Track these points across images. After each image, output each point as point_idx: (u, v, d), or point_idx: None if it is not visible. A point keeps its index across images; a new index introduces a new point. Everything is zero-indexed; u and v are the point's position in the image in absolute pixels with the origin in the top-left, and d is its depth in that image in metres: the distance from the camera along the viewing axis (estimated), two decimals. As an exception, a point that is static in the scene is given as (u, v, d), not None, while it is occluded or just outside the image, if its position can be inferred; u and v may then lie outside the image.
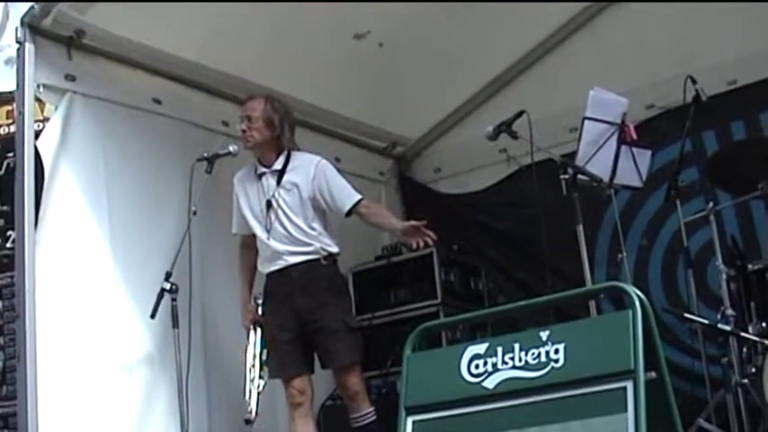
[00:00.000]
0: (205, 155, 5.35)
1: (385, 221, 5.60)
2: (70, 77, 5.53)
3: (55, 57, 5.48)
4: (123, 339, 5.47)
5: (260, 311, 5.45)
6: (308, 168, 5.47)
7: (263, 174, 5.49)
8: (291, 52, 6.27)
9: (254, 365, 5.36)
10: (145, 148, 5.88)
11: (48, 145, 5.33)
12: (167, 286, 5.09)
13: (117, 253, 5.58)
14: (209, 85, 6.34)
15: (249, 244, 5.58)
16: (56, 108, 5.50)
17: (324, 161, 5.53)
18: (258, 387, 5.31)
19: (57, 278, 5.22)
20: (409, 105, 7.49)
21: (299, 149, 5.60)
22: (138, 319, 5.43)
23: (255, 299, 5.50)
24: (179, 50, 6.01)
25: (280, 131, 5.47)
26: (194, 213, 5.18)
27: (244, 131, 5.42)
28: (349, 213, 5.48)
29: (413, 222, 5.36)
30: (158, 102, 6.03)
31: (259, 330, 5.44)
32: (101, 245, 5.54)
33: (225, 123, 6.21)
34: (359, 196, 5.49)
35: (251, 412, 5.25)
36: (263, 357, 5.39)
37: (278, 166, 5.48)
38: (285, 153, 5.51)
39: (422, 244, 5.34)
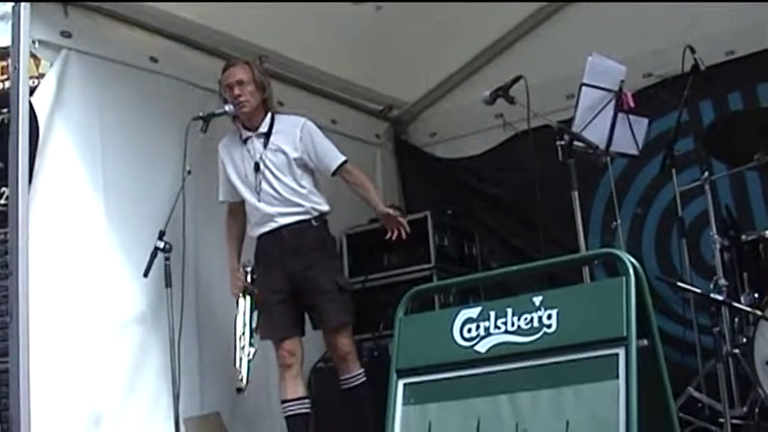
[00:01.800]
0: (201, 114, 5.33)
1: (366, 195, 5.58)
2: (66, 34, 5.49)
3: (51, 13, 5.43)
4: (116, 297, 5.47)
5: (248, 279, 5.46)
6: (294, 129, 5.49)
7: (249, 138, 5.49)
8: (290, 14, 6.23)
9: (243, 333, 5.37)
10: (140, 106, 5.87)
11: (43, 101, 5.30)
12: (161, 245, 5.10)
13: (111, 211, 5.56)
14: (206, 44, 6.31)
15: (237, 211, 5.60)
16: (51, 64, 5.46)
17: (309, 122, 5.55)
18: (249, 355, 5.31)
19: (50, 235, 5.21)
20: (406, 69, 7.46)
21: (279, 111, 5.65)
22: (131, 277, 5.42)
23: (244, 266, 5.51)
24: (176, 9, 5.98)
25: (268, 94, 5.51)
26: (189, 173, 5.19)
27: (238, 96, 5.40)
28: (334, 173, 5.50)
29: (390, 211, 5.42)
30: (155, 60, 6.01)
31: (248, 298, 5.45)
32: (95, 202, 5.53)
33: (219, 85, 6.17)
34: (344, 157, 5.51)
35: (241, 380, 5.27)
36: (253, 325, 5.40)
37: (263, 128, 5.49)
38: (270, 115, 5.51)
39: (395, 234, 5.37)
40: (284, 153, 5.43)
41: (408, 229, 5.46)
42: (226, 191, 5.61)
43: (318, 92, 7.29)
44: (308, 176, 5.50)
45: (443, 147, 7.96)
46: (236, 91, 5.40)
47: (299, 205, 5.41)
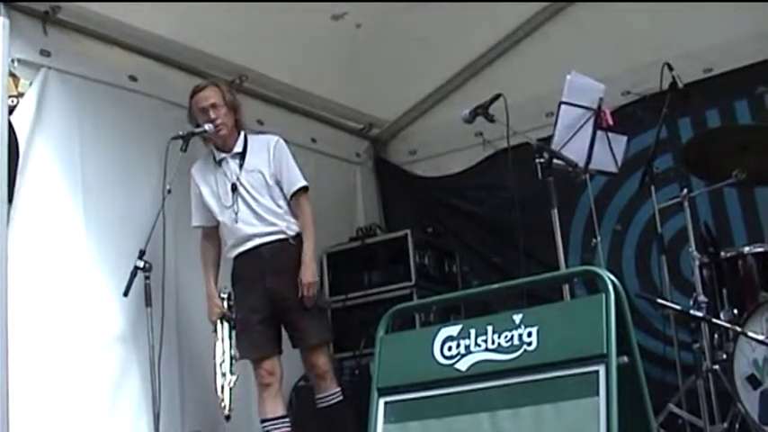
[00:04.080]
0: (180, 133, 5.31)
1: (303, 237, 5.47)
2: (45, 53, 5.49)
3: (30, 31, 5.43)
4: (96, 316, 5.45)
5: (226, 305, 5.45)
6: (269, 148, 5.49)
7: (223, 159, 5.48)
8: (268, 31, 6.25)
9: (223, 361, 5.36)
10: (120, 125, 5.86)
11: (22, 120, 5.28)
12: (141, 264, 5.08)
13: (91, 230, 5.55)
14: (185, 63, 6.30)
15: (211, 235, 5.58)
16: (30, 83, 5.44)
17: (281, 140, 5.55)
18: (230, 383, 5.30)
19: (30, 254, 5.19)
20: (386, 87, 7.47)
21: (251, 131, 5.67)
22: (111, 296, 5.40)
23: (221, 292, 5.49)
24: (155, 28, 5.98)
25: (240, 114, 5.53)
26: (169, 192, 5.16)
27: (214, 120, 5.38)
28: (292, 196, 5.47)
29: (302, 280, 5.33)
30: (134, 79, 6.01)
31: (226, 324, 5.44)
32: (75, 222, 5.51)
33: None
34: (305, 183, 5.49)
35: (224, 408, 5.27)
36: (233, 352, 5.38)
37: (238, 148, 5.49)
38: (243, 135, 5.52)
39: (302, 294, 5.33)
40: (261, 173, 5.43)
41: (311, 303, 5.38)
42: (200, 215, 5.57)
43: (298, 110, 7.28)
44: (284, 196, 5.49)
45: (423, 165, 7.97)
46: (212, 114, 5.38)
47: (277, 224, 5.40)
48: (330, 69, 7.00)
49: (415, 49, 7.03)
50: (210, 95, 5.42)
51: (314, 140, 7.36)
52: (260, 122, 6.35)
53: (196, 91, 5.47)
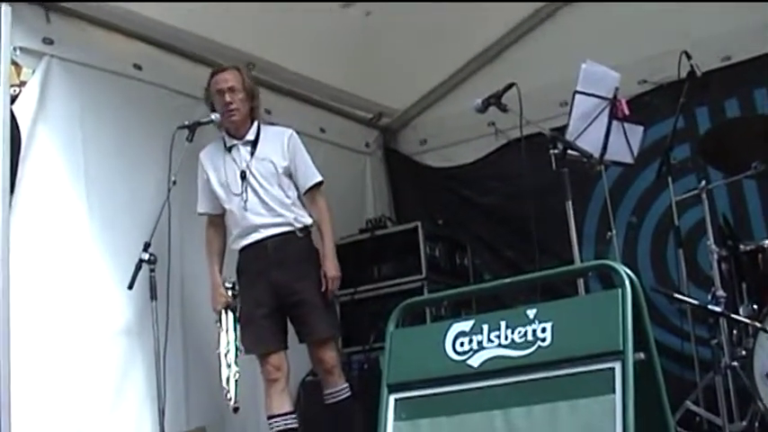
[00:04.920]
0: (186, 123, 5.28)
1: (321, 233, 5.50)
2: (48, 41, 5.46)
3: (32, 19, 5.40)
4: (100, 310, 5.44)
5: (230, 294, 5.42)
6: (282, 139, 5.48)
7: (234, 146, 5.47)
8: (277, 19, 6.23)
9: (228, 351, 5.34)
10: (125, 114, 5.85)
11: (24, 110, 5.27)
12: (146, 257, 5.05)
13: (94, 221, 5.54)
14: (192, 51, 6.29)
15: (217, 224, 5.56)
16: (33, 72, 5.43)
17: (295, 134, 5.55)
18: (236, 375, 5.28)
19: (32, 246, 5.18)
20: (396, 76, 7.44)
21: (265, 121, 5.67)
22: (115, 289, 5.39)
23: (225, 282, 5.47)
24: (160, 15, 5.96)
25: (257, 103, 5.52)
26: (174, 183, 5.14)
27: (229, 104, 5.37)
28: (306, 192, 5.49)
29: (325, 273, 5.35)
30: (139, 67, 5.99)
31: (231, 314, 5.41)
32: (78, 212, 5.50)
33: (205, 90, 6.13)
34: (321, 178, 5.51)
35: (230, 399, 5.24)
36: (237, 343, 5.36)
37: (250, 136, 5.47)
38: (256, 124, 5.51)
39: (325, 288, 5.34)
40: (272, 162, 5.41)
41: (332, 297, 5.42)
42: (206, 202, 5.56)
43: (306, 100, 7.27)
44: (293, 187, 5.48)
45: (434, 155, 7.96)
46: (227, 98, 5.38)
47: (284, 216, 5.38)
48: (339, 58, 6.98)
49: (426, 37, 7.00)
50: (230, 78, 5.43)
51: (323, 130, 7.35)
52: (268, 112, 6.31)
53: (216, 72, 5.49)
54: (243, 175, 5.39)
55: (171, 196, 5.15)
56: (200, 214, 5.60)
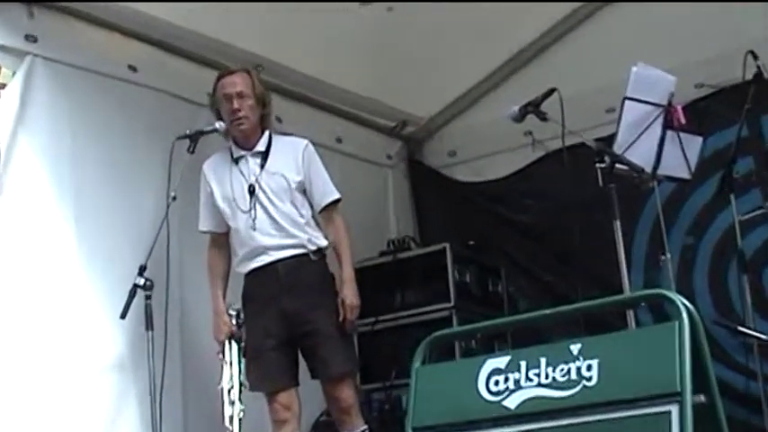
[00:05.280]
0: (187, 132, 5.23)
1: (338, 255, 5.47)
2: (31, 38, 5.46)
3: (13, 14, 5.41)
4: (89, 342, 5.43)
5: (234, 322, 5.37)
6: (296, 151, 5.45)
7: (242, 157, 5.42)
8: (288, 17, 6.23)
9: (232, 387, 5.30)
10: (118, 122, 5.85)
11: (5, 115, 5.27)
12: (141, 282, 4.99)
13: (83, 241, 5.53)
14: (194, 52, 6.29)
15: (221, 243, 5.52)
16: (14, 73, 5.43)
17: (311, 145, 5.52)
18: (240, 413, 5.24)
19: (13, 267, 5.19)
20: (421, 80, 7.43)
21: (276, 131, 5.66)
22: (106, 318, 5.37)
23: (229, 309, 5.40)
24: (159, 11, 5.96)
25: (268, 110, 5.50)
26: (174, 199, 5.08)
27: (237, 111, 5.33)
28: (322, 210, 5.47)
29: (343, 301, 5.32)
30: (134, 69, 5.99)
31: (235, 346, 5.36)
32: (65, 231, 5.49)
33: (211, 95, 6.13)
34: (338, 195, 5.49)
35: None
36: (242, 379, 5.32)
37: (260, 147, 5.43)
38: (267, 134, 5.48)
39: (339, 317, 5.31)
40: (284, 176, 5.37)
41: (350, 327, 5.37)
42: (209, 219, 5.51)
43: (321, 106, 7.27)
44: (308, 205, 5.45)
45: (464, 168, 7.95)
46: (236, 104, 5.33)
47: (297, 237, 5.33)
48: (358, 59, 6.98)
49: (455, 37, 6.99)
50: (238, 82, 5.38)
51: (339, 140, 7.36)
52: (278, 120, 6.29)
53: (223, 75, 5.46)
54: (251, 190, 5.35)
55: (170, 213, 5.10)
56: (203, 233, 5.56)
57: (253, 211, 5.33)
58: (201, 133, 5.30)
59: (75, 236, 5.52)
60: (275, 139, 5.50)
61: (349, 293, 5.34)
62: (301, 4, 6.15)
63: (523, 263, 7.50)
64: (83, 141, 5.64)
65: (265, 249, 5.32)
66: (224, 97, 5.38)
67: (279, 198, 5.35)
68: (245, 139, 5.43)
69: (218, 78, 5.46)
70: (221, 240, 5.52)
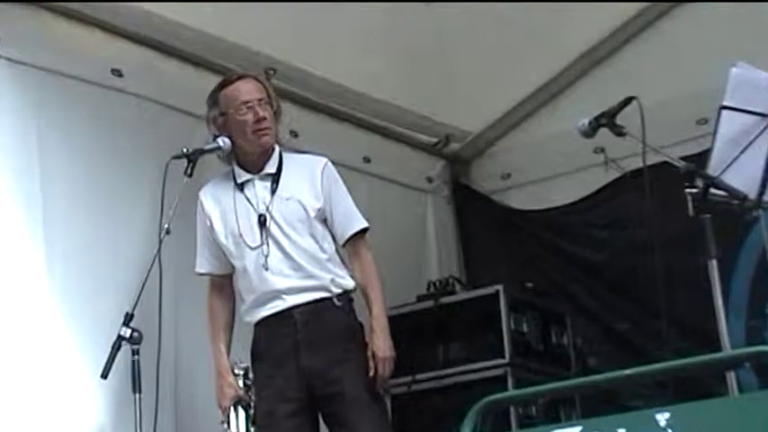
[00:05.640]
0: (184, 150, 5.18)
1: (366, 294, 5.40)
2: (-9, 36, 5.52)
3: (-31, 6, 5.47)
4: (63, 407, 5.41)
5: (241, 384, 5.33)
6: (313, 171, 5.40)
7: (248, 182, 5.37)
8: (306, 12, 6.24)
9: None
10: (99, 137, 5.86)
11: (-41, 127, 5.32)
12: (127, 333, 4.95)
13: (56, 282, 5.54)
14: (190, 52, 6.30)
15: (223, 287, 5.48)
16: (-31, 78, 5.48)
17: (330, 164, 5.47)
18: None
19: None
20: (469, 87, 7.42)
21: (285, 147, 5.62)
22: (84, 377, 5.39)
23: (234, 367, 5.37)
24: (151, 6, 5.97)
25: (279, 124, 5.48)
26: (167, 232, 5.03)
27: (262, 119, 5.28)
28: (346, 242, 5.40)
29: (374, 354, 5.27)
30: (119, 73, 6.00)
31: (242, 412, 5.31)
32: (34, 270, 5.49)
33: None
34: (366, 223, 5.42)
35: None
36: None
37: (270, 168, 5.38)
38: (278, 152, 5.43)
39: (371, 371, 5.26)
40: (300, 203, 5.31)
41: (381, 387, 5.33)
42: (209, 258, 5.46)
43: (347, 118, 7.27)
44: (330, 237, 5.38)
45: (521, 194, 7.93)
46: (260, 111, 5.28)
47: (318, 277, 5.27)
48: (392, 62, 6.98)
49: (509, 35, 7.00)
50: (254, 89, 5.36)
51: (368, 160, 7.36)
52: (293, 134, 6.31)
53: (232, 80, 5.42)
54: (262, 221, 5.29)
55: (163, 249, 5.02)
56: (201, 275, 5.50)
57: (264, 247, 5.27)
58: (202, 152, 5.26)
59: (47, 275, 5.54)
60: (287, 157, 5.45)
61: (381, 345, 5.28)
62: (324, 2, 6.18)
63: (594, 309, 7.46)
64: (55, 159, 5.67)
65: (279, 293, 5.26)
66: (242, 106, 5.30)
67: (295, 229, 5.29)
68: (248, 160, 5.36)
69: (225, 84, 5.42)
70: (224, 284, 5.47)
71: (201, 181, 5.40)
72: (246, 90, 5.35)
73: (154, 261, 5.01)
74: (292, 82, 6.65)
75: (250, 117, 5.28)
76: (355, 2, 6.24)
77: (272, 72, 6.33)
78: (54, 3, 5.74)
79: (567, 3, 6.67)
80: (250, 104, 5.29)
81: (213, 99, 5.41)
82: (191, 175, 5.15)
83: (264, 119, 5.27)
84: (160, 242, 5.01)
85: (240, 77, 5.45)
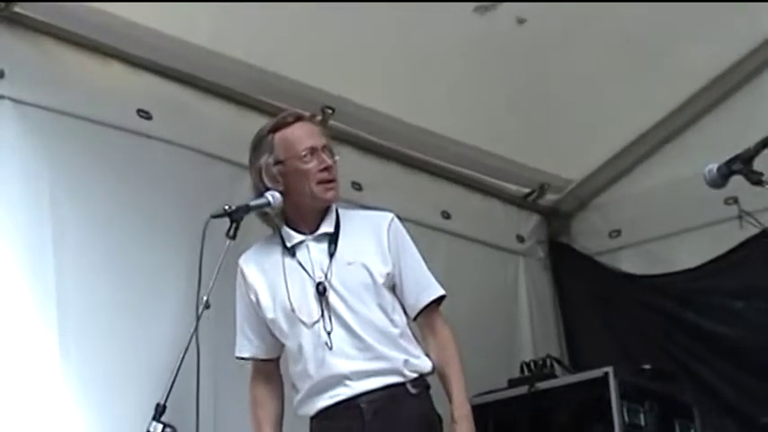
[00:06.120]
0: (226, 208, 5.16)
1: (444, 375, 5.29)
2: (-6, 72, 5.55)
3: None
4: None
5: None
6: (378, 230, 5.32)
7: (300, 244, 5.31)
8: (367, 39, 6.30)
9: None
10: (122, 191, 5.89)
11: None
12: (158, 429, 4.96)
13: (70, 366, 5.55)
14: (232, 88, 6.33)
15: (270, 374, 5.43)
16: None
17: (397, 220, 5.40)
18: None
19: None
20: (568, 125, 7.44)
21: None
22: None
23: None
24: (181, 31, 6.01)
25: None
26: (207, 306, 4.99)
27: (329, 169, 5.22)
28: (419, 314, 5.31)
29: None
30: (147, 115, 6.03)
31: None
32: (43, 351, 5.51)
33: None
34: (442, 291, 5.33)
35: None
36: None
37: (327, 227, 5.30)
38: (334, 208, 5.37)
39: None
40: (366, 268, 5.24)
41: None
42: (253, 340, 5.38)
43: (421, 166, 7.30)
44: (400, 308, 5.30)
45: (635, 255, 7.93)
46: (327, 160, 5.21)
47: (388, 358, 5.19)
48: (471, 97, 6.97)
49: (618, 61, 7.01)
50: (317, 133, 5.31)
51: (446, 215, 7.38)
52: (356, 186, 6.28)
53: (288, 122, 5.31)
54: (320, 291, 5.21)
55: (201, 326, 4.94)
56: (242, 359, 5.46)
57: (325, 323, 5.22)
58: (248, 209, 5.15)
59: (59, 359, 5.54)
60: (344, 214, 5.39)
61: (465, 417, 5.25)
62: (389, 20, 6.20)
63: (730, 398, 7.40)
64: (69, 219, 5.71)
65: (343, 378, 5.17)
66: (306, 152, 5.32)
67: (360, 300, 5.20)
68: (298, 219, 5.36)
69: (280, 126, 5.33)
70: (270, 369, 5.42)
71: (242, 246, 5.31)
72: (309, 133, 5.30)
73: (190, 342, 4.87)
74: (354, 122, 6.67)
75: (314, 166, 5.25)
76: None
77: (329, 111, 6.35)
78: (67, 30, 5.77)
79: (691, 14, 6.65)
80: (316, 151, 5.25)
81: (265, 144, 5.33)
82: (233, 238, 5.04)
83: (332, 168, 5.24)
84: (197, 319, 4.88)
85: (299, 118, 5.39)
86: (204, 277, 4.95)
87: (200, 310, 4.92)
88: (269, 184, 5.23)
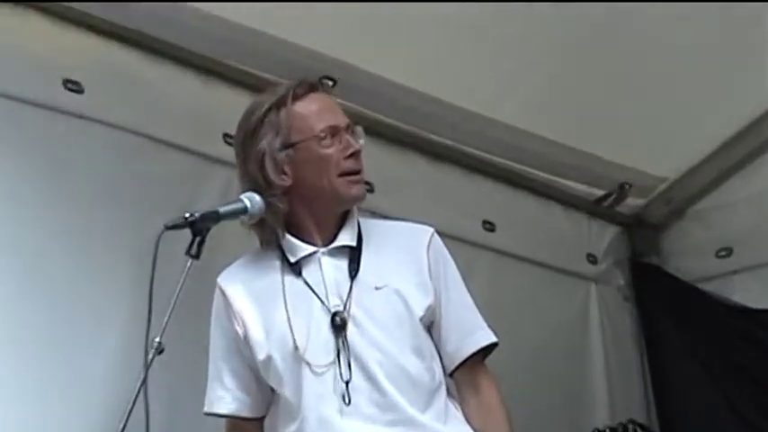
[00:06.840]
0: (186, 216, 5.09)
1: None
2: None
3: None
4: None
5: None
6: (415, 247, 5.21)
7: (308, 258, 5.20)
8: (404, 11, 6.30)
9: None
10: (50, 188, 5.90)
11: None
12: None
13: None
14: (196, 51, 6.34)
15: None
16: None
17: (437, 235, 5.29)
18: None
19: None
20: (660, 107, 7.44)
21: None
22: None
23: None
24: None
25: None
26: (160, 351, 4.92)
27: (357, 156, 5.07)
28: (460, 366, 5.18)
29: None
30: (76, 87, 6.03)
31: None
32: None
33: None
34: (494, 337, 5.22)
35: None
36: None
37: (346, 239, 5.15)
38: (355, 213, 5.23)
39: None
40: (400, 296, 5.08)
41: None
42: (233, 390, 5.23)
43: (453, 159, 7.30)
44: (437, 354, 5.20)
45: (751, 281, 7.92)
46: (355, 144, 5.07)
47: (421, 426, 5.01)
48: (529, 77, 7.04)
49: (716, 38, 7.05)
50: (337, 108, 5.16)
51: (491, 227, 7.39)
52: (369, 187, 6.24)
53: (299, 93, 5.09)
54: (337, 323, 5.06)
55: (152, 376, 4.94)
56: (210, 414, 5.32)
57: (341, 369, 5.11)
58: (218, 218, 5.03)
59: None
60: (366, 224, 5.30)
61: None
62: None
63: None
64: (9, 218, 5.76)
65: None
66: (327, 133, 5.09)
67: (390, 337, 5.08)
68: (321, 224, 5.18)
69: (285, 101, 5.10)
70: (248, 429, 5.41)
71: (209, 266, 5.18)
72: (328, 108, 5.18)
73: (137, 397, 4.88)
74: (363, 99, 6.63)
75: (336, 151, 5.10)
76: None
77: (329, 83, 6.33)
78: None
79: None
80: (336, 131, 5.13)
81: (268, 122, 5.11)
82: (196, 257, 4.93)
83: (359, 155, 5.07)
84: (146, 368, 4.90)
85: (312, 88, 5.19)
86: (156, 309, 4.83)
87: (149, 356, 4.78)
88: (273, 178, 5.05)
